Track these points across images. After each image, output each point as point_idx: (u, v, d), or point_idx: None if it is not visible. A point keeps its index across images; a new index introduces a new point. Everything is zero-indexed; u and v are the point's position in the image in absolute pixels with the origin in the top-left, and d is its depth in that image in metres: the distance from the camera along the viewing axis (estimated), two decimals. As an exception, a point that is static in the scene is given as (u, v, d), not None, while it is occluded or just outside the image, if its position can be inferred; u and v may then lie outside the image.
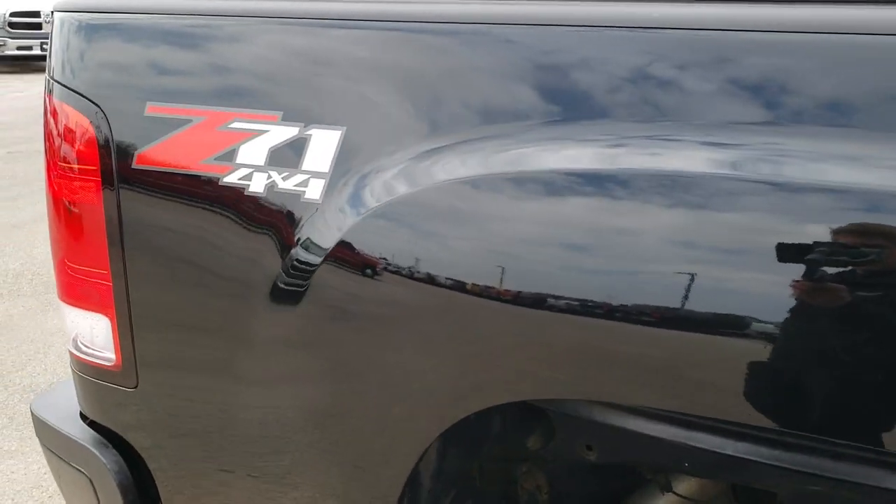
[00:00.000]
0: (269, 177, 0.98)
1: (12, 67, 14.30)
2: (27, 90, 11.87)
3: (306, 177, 0.96)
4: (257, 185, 0.99)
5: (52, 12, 1.15)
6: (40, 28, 13.90)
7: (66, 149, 1.12)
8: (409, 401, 0.98)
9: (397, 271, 0.91)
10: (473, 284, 0.87)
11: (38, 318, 3.76)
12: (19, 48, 13.85)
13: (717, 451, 0.94)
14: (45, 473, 2.58)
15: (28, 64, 14.61)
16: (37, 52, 13.88)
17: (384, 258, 0.92)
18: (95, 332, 1.15)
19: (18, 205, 5.70)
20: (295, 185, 0.97)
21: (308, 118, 0.96)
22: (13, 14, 13.83)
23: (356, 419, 1.02)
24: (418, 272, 0.90)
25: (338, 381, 1.01)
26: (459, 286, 0.88)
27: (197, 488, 1.18)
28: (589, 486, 1.41)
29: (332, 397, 1.02)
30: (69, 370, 3.54)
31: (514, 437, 1.10)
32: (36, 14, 13.90)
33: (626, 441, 1.12)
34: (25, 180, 6.38)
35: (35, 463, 2.63)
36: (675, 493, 1.22)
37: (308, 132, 0.96)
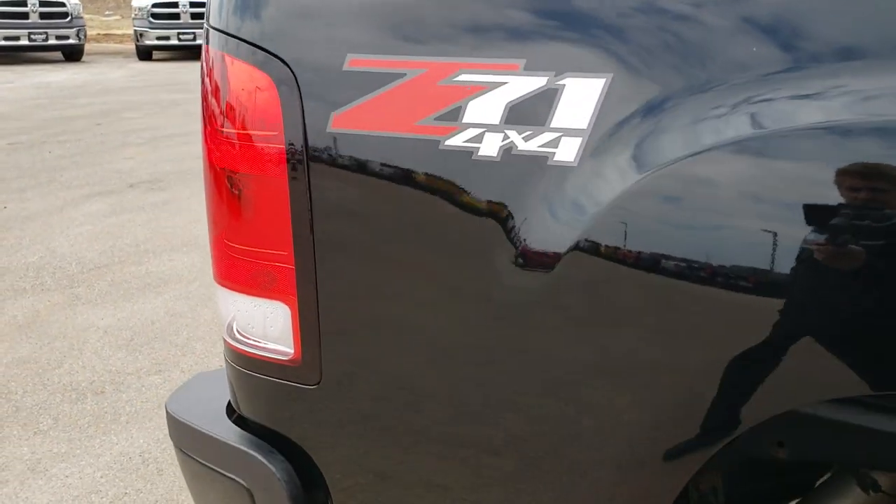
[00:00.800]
0: (506, 137, 0.83)
1: (0, 58, 13.97)
2: (17, 80, 11.59)
3: (556, 135, 0.81)
4: (489, 148, 0.84)
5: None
6: (27, 17, 13.56)
7: (234, 112, 0.97)
8: (679, 422, 0.83)
9: (685, 256, 0.76)
10: (794, 277, 0.72)
11: (67, 313, 3.58)
12: (7, 38, 13.50)
13: None
14: (100, 477, 2.42)
15: (16, 55, 14.26)
16: (24, 42, 13.55)
17: (667, 237, 0.76)
18: (269, 322, 0.99)
19: (27, 196, 5.49)
20: (540, 146, 0.82)
21: (560, 65, 0.82)
22: (0, 3, 13.46)
23: (597, 434, 0.85)
24: (714, 258, 0.75)
25: (582, 388, 0.85)
26: (774, 281, 0.73)
27: (381, 501, 1.03)
28: (765, 483, 1.29)
29: (570, 408, 0.86)
30: (108, 367, 3.30)
31: None
32: (23, 3, 13.55)
33: (833, 436, 1.01)
34: (31, 171, 6.17)
35: (89, 466, 2.47)
36: (884, 492, 1.11)
37: (560, 82, 0.81)
